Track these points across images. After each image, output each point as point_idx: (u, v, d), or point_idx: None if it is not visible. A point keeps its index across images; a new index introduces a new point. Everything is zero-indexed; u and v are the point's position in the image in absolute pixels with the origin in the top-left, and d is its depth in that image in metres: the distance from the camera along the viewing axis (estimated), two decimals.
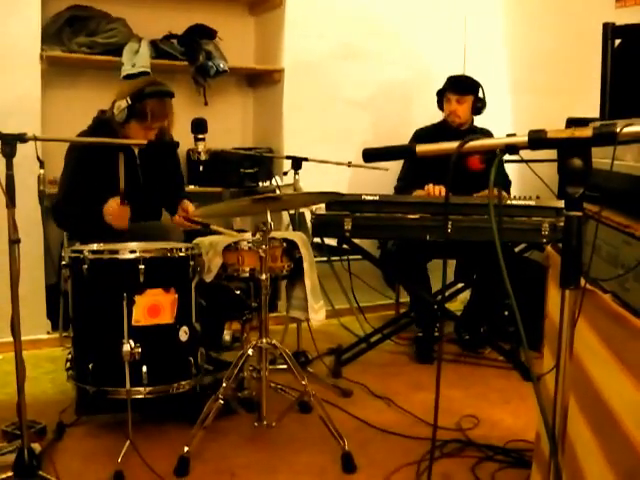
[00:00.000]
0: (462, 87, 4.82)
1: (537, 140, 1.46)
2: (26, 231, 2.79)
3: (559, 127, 3.73)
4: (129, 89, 3.78)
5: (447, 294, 4.60)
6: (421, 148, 1.63)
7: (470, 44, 6.04)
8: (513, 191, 4.82)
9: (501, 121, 5.58)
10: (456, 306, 5.33)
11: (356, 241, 4.28)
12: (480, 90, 4.80)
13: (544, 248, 3.79)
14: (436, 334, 4.59)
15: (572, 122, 4.19)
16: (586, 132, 1.41)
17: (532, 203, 3.91)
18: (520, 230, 3.85)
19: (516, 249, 4.26)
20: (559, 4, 5.06)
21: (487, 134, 4.86)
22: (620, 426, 1.58)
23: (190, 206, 3.97)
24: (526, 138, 1.47)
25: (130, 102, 3.70)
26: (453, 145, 1.54)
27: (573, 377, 1.62)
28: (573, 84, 4.76)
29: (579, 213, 1.42)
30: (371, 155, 1.71)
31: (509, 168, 4.77)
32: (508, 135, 1.51)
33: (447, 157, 1.58)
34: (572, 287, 1.44)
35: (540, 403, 1.42)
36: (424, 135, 4.92)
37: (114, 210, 3.53)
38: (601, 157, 1.81)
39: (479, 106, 4.80)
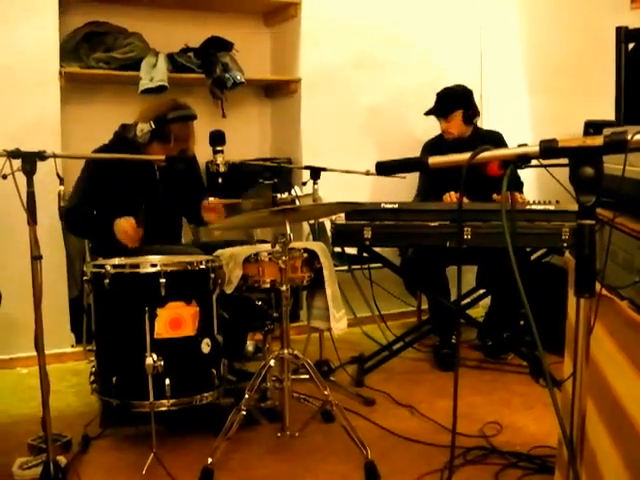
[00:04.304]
0: (444, 110, 4.86)
1: (548, 150, 1.46)
2: (48, 247, 2.84)
3: (578, 129, 3.72)
4: (153, 112, 3.82)
5: (469, 300, 4.58)
6: (433, 160, 1.64)
7: (486, 49, 6.04)
8: (532, 196, 4.81)
9: (519, 123, 5.57)
10: (478, 312, 5.32)
11: (376, 249, 4.28)
12: (469, 99, 4.86)
13: (564, 252, 3.79)
14: (453, 341, 4.59)
15: (590, 125, 4.19)
16: (597, 141, 1.41)
17: (551, 207, 3.91)
18: (540, 235, 3.84)
19: (536, 254, 4.25)
20: (574, 6, 5.05)
21: (496, 137, 4.90)
22: (638, 432, 1.58)
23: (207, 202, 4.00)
24: (537, 148, 1.47)
25: (154, 126, 3.74)
26: (465, 157, 1.55)
27: (591, 383, 1.62)
28: (591, 86, 4.74)
29: (592, 221, 1.42)
30: (384, 168, 1.72)
31: (527, 171, 4.75)
32: (520, 145, 1.51)
33: (462, 166, 1.59)
34: (586, 296, 1.44)
35: (557, 410, 1.42)
36: (432, 146, 4.96)
37: (127, 231, 3.57)
38: (616, 163, 1.81)
39: (470, 115, 4.84)
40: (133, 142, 3.82)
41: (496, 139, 4.85)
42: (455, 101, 4.85)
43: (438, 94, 4.93)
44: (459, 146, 4.53)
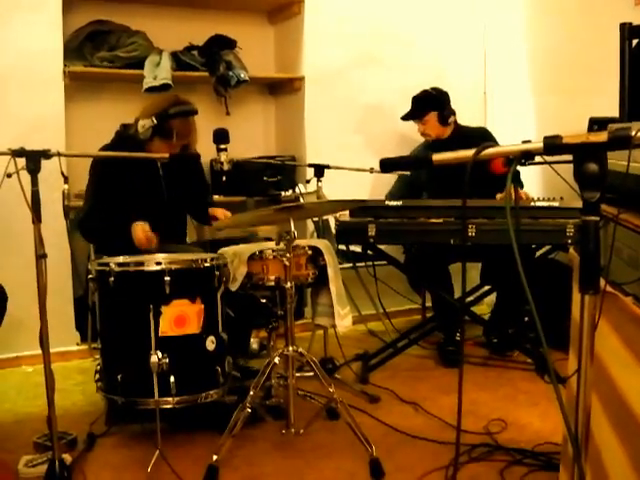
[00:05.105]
0: (416, 112, 4.98)
1: (552, 146, 1.46)
2: (52, 246, 2.83)
3: (582, 127, 3.72)
4: (154, 108, 3.83)
5: (473, 297, 4.58)
6: (437, 157, 1.64)
7: (490, 47, 6.02)
8: (536, 192, 4.80)
9: (524, 121, 5.57)
10: (483, 309, 5.32)
11: (381, 246, 4.28)
12: (442, 100, 4.93)
13: (569, 249, 3.78)
14: (457, 338, 4.59)
15: (595, 122, 4.18)
16: (601, 137, 1.41)
17: (556, 204, 3.90)
18: (544, 231, 3.84)
19: (541, 250, 4.25)
20: (578, 3, 5.04)
21: (481, 133, 5.00)
22: None
23: (217, 211, 4.04)
24: (541, 144, 1.47)
25: (156, 122, 3.75)
26: (469, 153, 1.55)
27: (596, 379, 1.62)
28: (595, 83, 4.74)
29: (596, 218, 1.42)
30: (388, 165, 1.73)
31: (531, 168, 4.74)
32: (524, 141, 1.51)
33: (459, 166, 1.59)
34: (591, 292, 1.44)
35: (561, 407, 1.42)
36: (422, 151, 5.01)
37: (140, 237, 3.60)
38: (620, 159, 1.81)
39: (445, 116, 4.91)
40: (134, 139, 3.83)
41: (481, 135, 4.87)
42: (428, 103, 4.94)
43: (413, 98, 5.02)
44: (441, 147, 4.57)
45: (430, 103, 4.92)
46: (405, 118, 5.02)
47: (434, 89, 4.99)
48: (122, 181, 3.80)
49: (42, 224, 2.63)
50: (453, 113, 4.94)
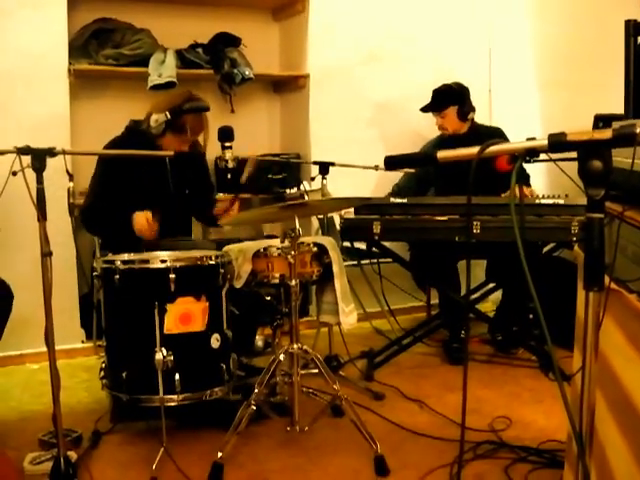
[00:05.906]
0: (436, 105, 4.94)
1: (557, 143, 1.46)
2: (58, 243, 2.84)
3: (587, 124, 3.72)
4: (167, 103, 3.84)
5: (478, 295, 4.58)
6: (442, 155, 1.64)
7: (495, 44, 6.00)
8: (541, 190, 4.80)
9: (529, 118, 5.56)
10: (488, 307, 5.32)
11: (386, 244, 4.28)
12: (464, 95, 4.90)
13: (574, 246, 3.78)
14: (462, 335, 4.59)
15: (599, 119, 4.18)
16: (606, 134, 1.41)
17: (561, 202, 3.90)
18: (549, 229, 3.84)
19: (546, 248, 4.24)
20: (584, 0, 5.03)
21: (496, 132, 4.94)
22: None
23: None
24: (546, 142, 1.47)
25: (169, 117, 3.76)
26: (473, 151, 1.55)
27: (601, 377, 1.62)
28: (600, 80, 4.73)
29: (601, 215, 1.42)
30: (393, 163, 1.72)
31: (536, 166, 4.74)
32: (528, 139, 1.51)
33: (465, 163, 1.59)
34: (595, 289, 1.44)
35: (566, 404, 1.42)
36: (430, 148, 4.98)
37: (143, 224, 3.60)
38: (625, 157, 1.81)
39: (465, 111, 4.88)
40: (145, 134, 3.84)
41: (496, 135, 4.84)
42: (449, 97, 4.90)
43: (434, 91, 4.98)
44: (455, 143, 4.56)
45: (451, 97, 4.89)
46: (424, 110, 4.98)
47: (456, 83, 4.97)
48: (130, 175, 3.80)
49: (47, 222, 2.63)
50: (473, 110, 4.92)
